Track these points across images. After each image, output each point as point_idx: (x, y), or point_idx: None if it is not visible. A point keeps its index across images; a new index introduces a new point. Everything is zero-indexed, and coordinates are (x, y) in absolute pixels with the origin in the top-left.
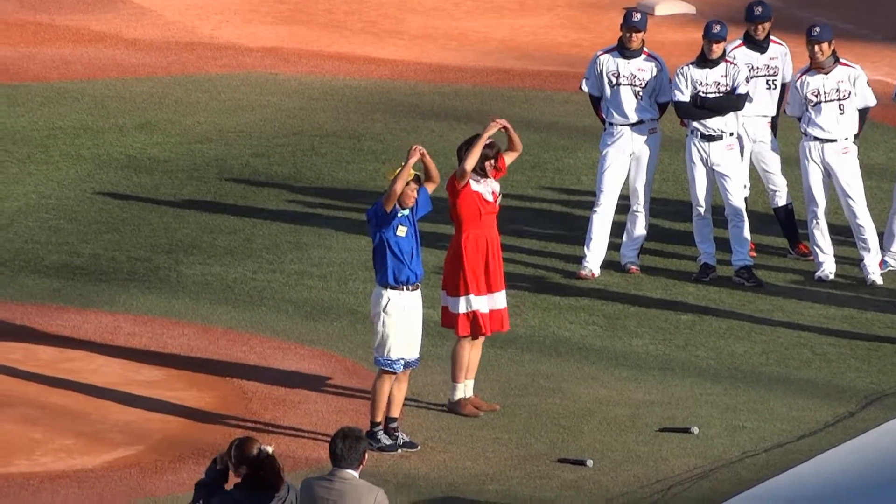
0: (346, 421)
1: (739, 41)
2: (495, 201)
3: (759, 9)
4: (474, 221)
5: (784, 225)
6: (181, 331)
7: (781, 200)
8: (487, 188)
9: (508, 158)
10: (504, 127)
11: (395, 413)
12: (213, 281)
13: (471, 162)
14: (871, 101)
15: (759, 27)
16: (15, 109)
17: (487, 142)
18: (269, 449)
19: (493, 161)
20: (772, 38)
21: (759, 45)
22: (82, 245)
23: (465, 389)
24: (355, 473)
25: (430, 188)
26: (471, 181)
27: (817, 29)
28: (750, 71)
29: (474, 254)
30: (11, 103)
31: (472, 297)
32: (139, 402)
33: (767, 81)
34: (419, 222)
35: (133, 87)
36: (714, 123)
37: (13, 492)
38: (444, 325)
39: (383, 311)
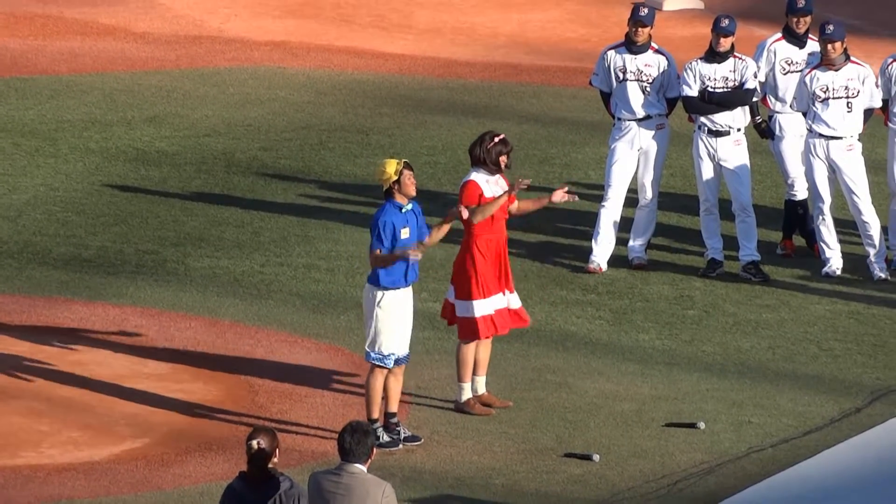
0: (352, 415)
1: (779, 34)
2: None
3: (802, 1)
4: (486, 226)
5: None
6: (188, 324)
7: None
8: (499, 189)
9: (523, 205)
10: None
11: (394, 408)
12: (220, 274)
13: (478, 218)
14: (877, 103)
15: (801, 20)
16: (23, 102)
17: (500, 138)
18: (254, 444)
19: (507, 157)
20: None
21: (799, 40)
22: (90, 237)
23: (473, 387)
24: (363, 467)
25: (426, 240)
26: (482, 184)
27: (831, 27)
28: (788, 65)
29: (485, 258)
30: (20, 96)
31: (481, 301)
32: (146, 395)
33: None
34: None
35: (141, 81)
36: (721, 119)
37: (20, 484)
38: (442, 317)
39: (377, 306)
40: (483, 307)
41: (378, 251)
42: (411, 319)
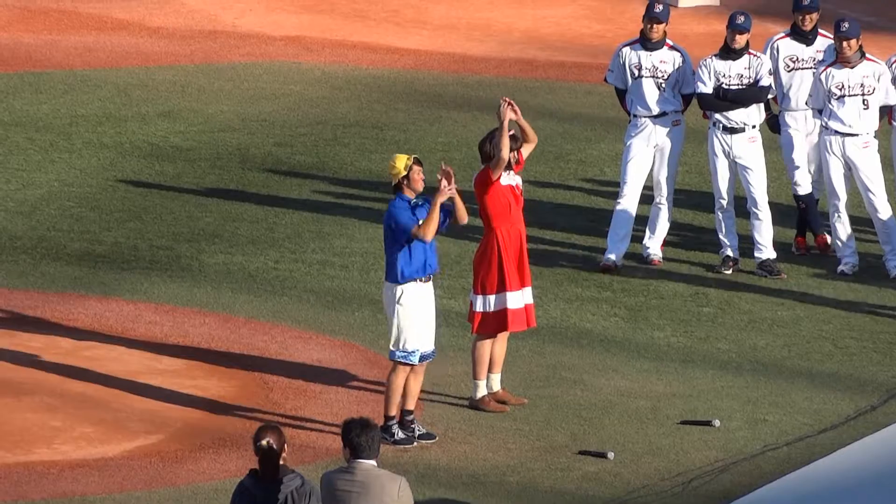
0: (366, 411)
1: (783, 33)
2: (521, 194)
3: None
4: (505, 216)
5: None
6: (202, 320)
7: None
8: (513, 180)
9: (525, 151)
10: (513, 107)
11: (411, 405)
12: (234, 270)
13: (506, 150)
14: (893, 100)
15: (807, 17)
16: (38, 97)
17: (510, 133)
18: (264, 443)
19: (515, 152)
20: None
21: (805, 37)
22: (104, 233)
23: (489, 385)
24: (375, 463)
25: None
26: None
27: (846, 24)
28: (793, 63)
29: (508, 250)
30: (34, 90)
31: (507, 294)
32: (160, 390)
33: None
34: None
35: (156, 76)
36: (736, 116)
37: (33, 480)
38: (469, 321)
39: (398, 303)
40: (497, 302)
41: (416, 227)
42: (434, 315)
